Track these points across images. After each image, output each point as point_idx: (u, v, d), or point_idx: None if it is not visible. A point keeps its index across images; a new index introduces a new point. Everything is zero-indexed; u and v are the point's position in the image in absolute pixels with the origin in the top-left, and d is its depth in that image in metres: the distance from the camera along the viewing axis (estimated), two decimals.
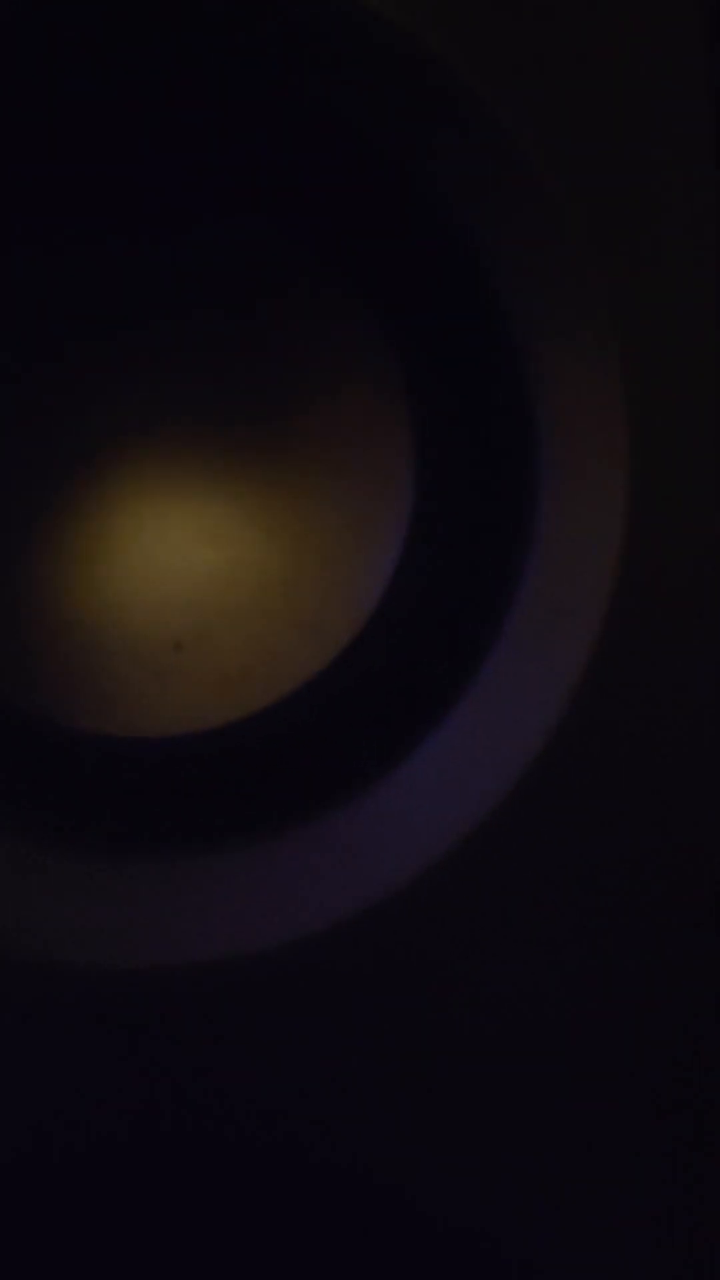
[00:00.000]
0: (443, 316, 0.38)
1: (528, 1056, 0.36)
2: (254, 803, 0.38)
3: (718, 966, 0.36)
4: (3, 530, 0.38)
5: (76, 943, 0.36)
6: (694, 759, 0.36)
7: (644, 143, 0.36)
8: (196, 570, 0.38)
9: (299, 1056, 0.36)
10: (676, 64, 0.36)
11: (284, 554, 0.38)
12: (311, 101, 0.37)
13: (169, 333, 0.38)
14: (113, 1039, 0.36)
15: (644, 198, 0.36)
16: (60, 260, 0.38)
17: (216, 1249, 0.37)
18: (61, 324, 0.38)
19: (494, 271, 0.37)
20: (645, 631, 0.36)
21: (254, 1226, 0.36)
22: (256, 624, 0.38)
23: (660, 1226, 0.37)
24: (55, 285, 0.38)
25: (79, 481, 0.38)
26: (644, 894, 0.36)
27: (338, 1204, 0.37)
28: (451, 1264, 0.37)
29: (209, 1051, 0.36)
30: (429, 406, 0.38)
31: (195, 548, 0.38)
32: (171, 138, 0.37)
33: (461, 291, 0.37)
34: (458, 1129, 0.36)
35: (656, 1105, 0.36)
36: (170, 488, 0.38)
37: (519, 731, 0.36)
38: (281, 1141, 0.36)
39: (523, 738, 0.36)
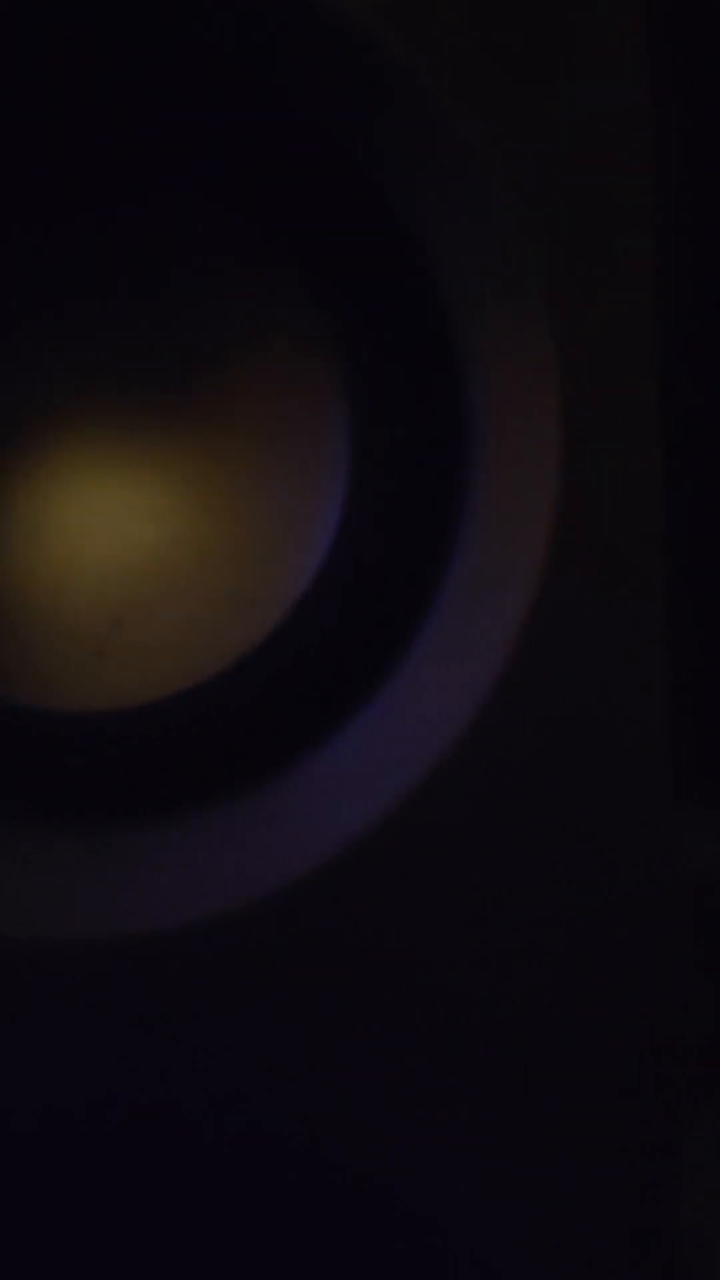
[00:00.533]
0: (376, 288, 0.38)
1: (458, 1030, 0.36)
2: (191, 776, 0.38)
3: (649, 941, 0.37)
4: None
5: (9, 915, 0.36)
6: (626, 731, 0.36)
7: (579, 114, 0.36)
8: (134, 545, 0.38)
9: (220, 1031, 0.36)
10: (614, 34, 0.36)
11: (220, 528, 0.38)
12: (240, 68, 0.37)
13: (100, 305, 0.38)
14: (47, 1010, 0.36)
15: (578, 167, 0.36)
16: (7, 240, 0.38)
17: (167, 1225, 0.37)
18: (5, 303, 0.38)
19: (426, 238, 0.37)
20: (577, 603, 0.36)
21: (202, 1204, 0.37)
22: (194, 598, 0.38)
23: (606, 1197, 0.37)
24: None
25: (12, 458, 0.38)
26: (576, 868, 0.36)
27: (278, 1179, 0.37)
28: (411, 1246, 0.37)
29: (137, 1026, 0.36)
30: (363, 380, 0.38)
31: (132, 523, 0.38)
32: (93, 109, 0.37)
33: (395, 261, 0.37)
34: (385, 1105, 0.36)
35: (577, 1077, 0.37)
36: (106, 463, 0.38)
37: (451, 704, 0.37)
38: (238, 1111, 0.36)
39: (455, 710, 0.36)
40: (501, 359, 0.37)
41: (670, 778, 0.37)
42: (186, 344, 0.38)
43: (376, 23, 0.35)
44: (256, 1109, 0.36)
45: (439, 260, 0.37)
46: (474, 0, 0.35)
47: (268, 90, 0.36)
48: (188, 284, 0.38)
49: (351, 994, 0.36)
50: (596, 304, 0.36)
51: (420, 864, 0.36)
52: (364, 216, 0.37)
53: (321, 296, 0.38)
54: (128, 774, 0.38)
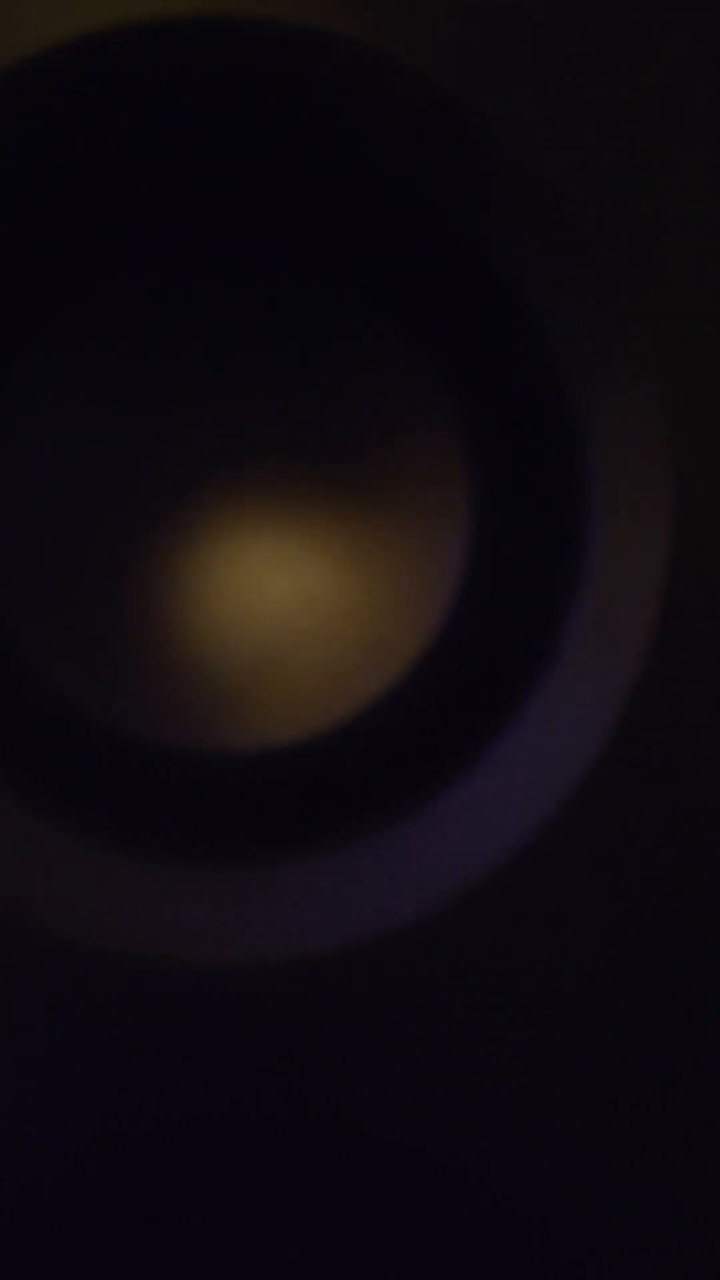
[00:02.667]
0: (494, 360, 0.40)
1: (577, 1070, 0.38)
2: (324, 816, 0.40)
3: None
4: (99, 557, 0.40)
5: (166, 946, 0.38)
6: None
7: (686, 196, 0.38)
8: (272, 599, 0.40)
9: (352, 1062, 0.38)
10: (710, 108, 0.38)
11: (352, 583, 0.40)
12: (375, 167, 0.39)
13: (252, 380, 0.40)
14: (173, 1037, 0.38)
15: (685, 252, 0.38)
16: (156, 307, 0.40)
17: (298, 1255, 0.38)
18: (155, 367, 0.40)
19: (545, 321, 0.39)
20: (692, 657, 0.38)
21: (299, 1236, 0.38)
22: (326, 649, 0.40)
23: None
24: (152, 332, 0.40)
25: (166, 517, 0.40)
26: (692, 919, 0.38)
27: (394, 1210, 0.38)
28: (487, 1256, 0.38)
29: (264, 1055, 0.38)
30: (485, 448, 0.40)
31: (270, 576, 0.40)
32: (260, 198, 0.40)
33: (511, 337, 0.40)
34: (523, 1136, 0.38)
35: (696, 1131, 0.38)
36: (248, 522, 0.40)
37: (572, 753, 0.39)
38: (346, 1145, 0.38)
39: (575, 759, 0.38)
40: (617, 428, 0.39)
41: None
42: (330, 419, 0.41)
43: (482, 102, 0.37)
44: (390, 1137, 0.38)
45: (557, 340, 0.39)
46: (579, 79, 0.38)
47: (408, 191, 0.39)
48: (331, 362, 0.40)
49: (486, 1028, 0.38)
50: (706, 381, 0.38)
51: (546, 902, 0.38)
52: (489, 304, 0.40)
53: (449, 377, 0.40)
54: (264, 813, 0.40)
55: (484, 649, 0.40)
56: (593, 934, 0.38)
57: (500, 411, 0.40)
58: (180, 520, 0.40)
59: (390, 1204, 0.38)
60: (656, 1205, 0.38)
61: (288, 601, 0.40)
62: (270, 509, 0.40)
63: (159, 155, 0.39)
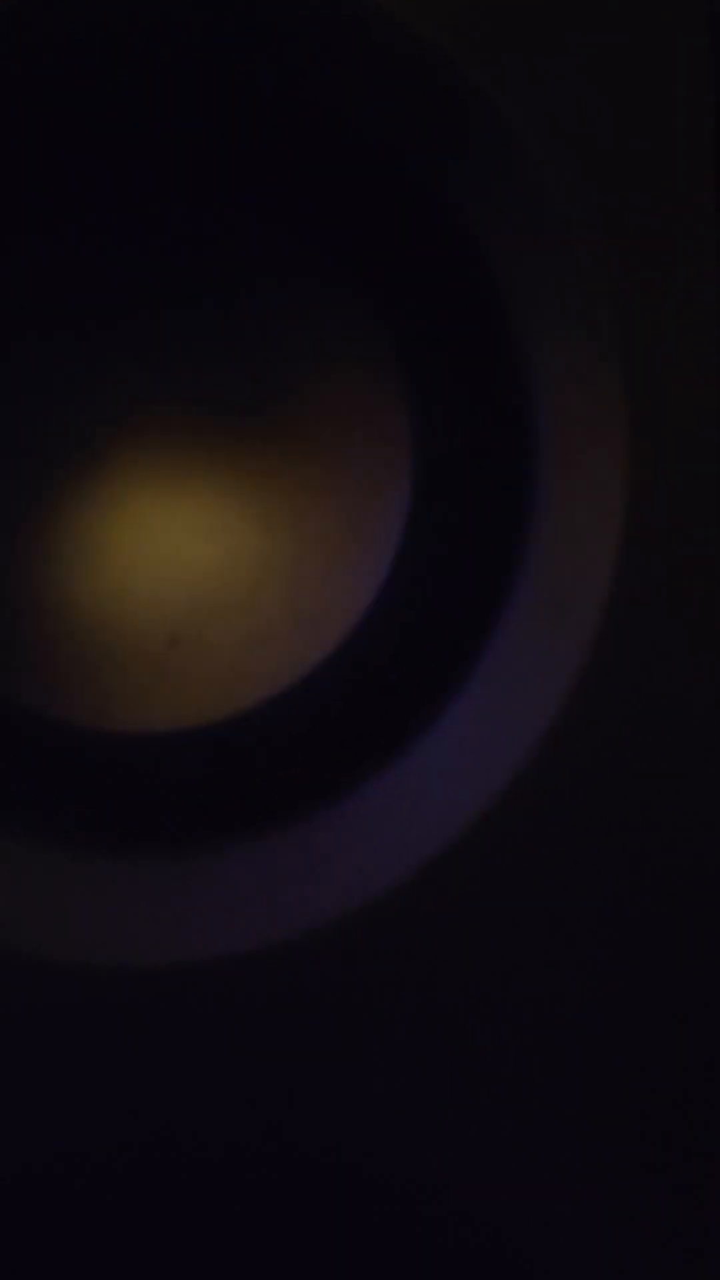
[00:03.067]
0: (441, 309, 0.37)
1: (529, 1056, 0.36)
2: (249, 799, 0.37)
3: None
4: (4, 523, 0.37)
5: (67, 940, 0.36)
6: (694, 752, 0.36)
7: (646, 140, 0.35)
8: (192, 564, 0.38)
9: (292, 1057, 0.36)
10: (679, 67, 0.36)
11: (280, 548, 0.38)
12: (314, 97, 0.36)
13: (164, 325, 0.38)
14: (105, 1039, 0.35)
15: (646, 194, 0.35)
16: (54, 251, 0.38)
17: (214, 1256, 0.36)
18: (54, 315, 0.38)
19: (493, 263, 0.37)
20: (644, 624, 0.36)
21: (254, 1231, 0.36)
22: (253, 618, 0.38)
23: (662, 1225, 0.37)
24: (49, 276, 0.38)
25: (72, 475, 0.38)
26: (643, 892, 0.36)
27: (335, 1207, 0.36)
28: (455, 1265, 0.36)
29: (201, 1053, 0.35)
30: (426, 399, 0.37)
31: (190, 542, 0.38)
32: (173, 129, 0.37)
33: (460, 283, 0.37)
34: (460, 1129, 0.36)
35: (659, 1103, 0.36)
36: (165, 481, 0.38)
37: (517, 725, 0.36)
38: (277, 1145, 0.36)
39: (521, 731, 0.36)
40: (569, 383, 0.36)
41: None
42: (251, 364, 0.38)
43: (453, 49, 0.35)
44: (300, 1139, 0.36)
45: (508, 285, 0.37)
46: (549, 30, 0.35)
47: (347, 117, 0.36)
48: (256, 305, 0.38)
49: (405, 1023, 0.36)
50: (664, 328, 0.35)
51: (484, 888, 0.36)
52: (434, 241, 0.37)
53: (387, 320, 0.37)
54: (182, 796, 0.37)
55: (422, 620, 0.37)
56: (531, 922, 0.36)
57: (446, 368, 0.38)
58: (90, 482, 0.38)
59: (323, 1209, 0.36)
60: (629, 1213, 0.36)
61: (209, 567, 0.38)
62: (191, 466, 0.38)
63: (93, 90, 0.36)
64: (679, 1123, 0.36)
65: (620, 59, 0.36)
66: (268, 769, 0.37)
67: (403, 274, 0.37)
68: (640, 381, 0.36)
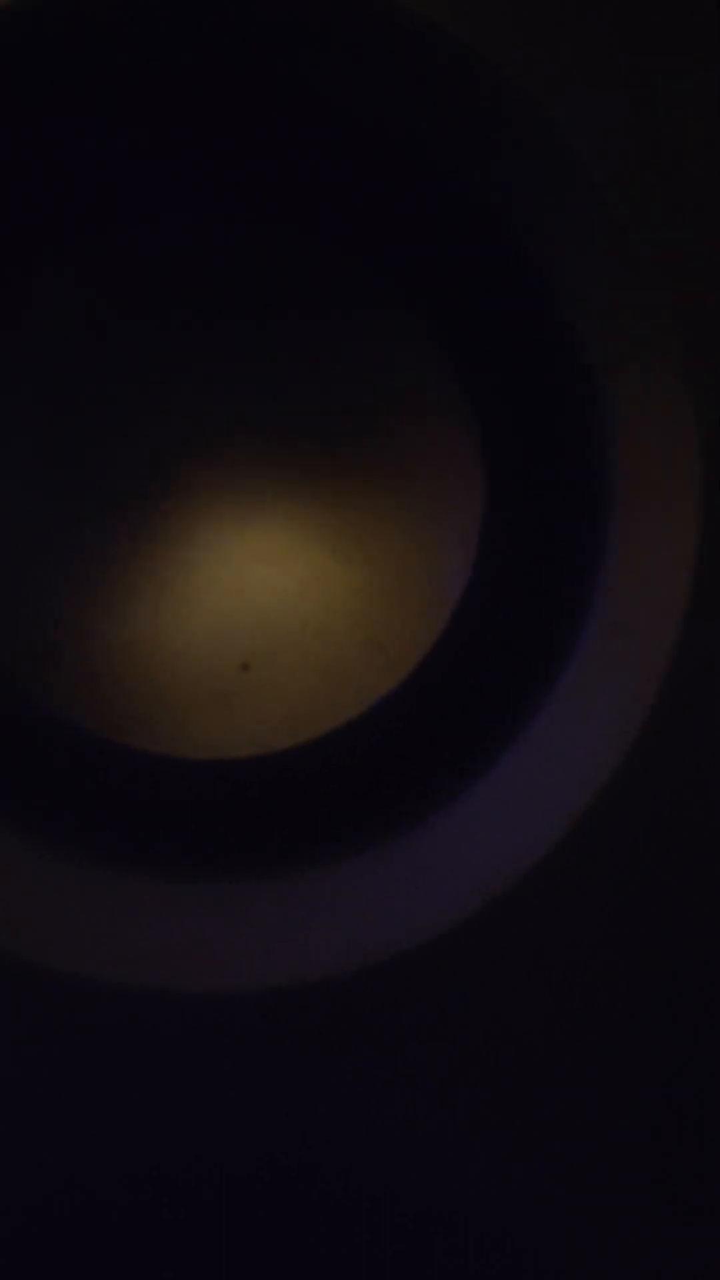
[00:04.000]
0: (510, 339, 0.37)
1: (593, 1089, 0.36)
2: (320, 826, 0.37)
3: None
4: (75, 551, 0.37)
5: (135, 964, 0.36)
6: None
7: (711, 166, 0.35)
8: (264, 591, 0.38)
9: (357, 1086, 0.36)
10: None
11: (352, 575, 0.38)
12: (388, 133, 0.36)
13: (240, 358, 0.38)
14: (172, 1062, 0.36)
15: (711, 222, 0.35)
16: (128, 279, 0.37)
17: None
18: (128, 346, 0.38)
19: (563, 298, 0.36)
20: (714, 650, 0.35)
21: (278, 1256, 0.36)
22: (323, 645, 0.38)
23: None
24: (122, 307, 0.38)
25: (144, 506, 0.38)
26: (708, 937, 0.35)
27: (368, 1237, 0.36)
28: None
29: (267, 1079, 0.36)
30: (497, 429, 0.37)
31: (262, 569, 0.38)
32: (256, 169, 0.37)
33: (531, 318, 0.37)
34: (522, 1164, 0.36)
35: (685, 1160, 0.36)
36: (238, 509, 0.38)
37: (590, 754, 0.36)
38: (300, 1174, 0.36)
39: (594, 760, 0.36)
40: (640, 413, 0.36)
41: None
42: (322, 393, 0.38)
43: (538, 101, 0.35)
44: (398, 1163, 0.36)
45: (579, 322, 0.36)
46: (615, 60, 0.35)
47: (420, 157, 0.36)
48: (328, 334, 0.38)
49: (495, 1045, 0.36)
50: None
51: (554, 920, 0.36)
52: (502, 272, 0.37)
53: (458, 350, 0.37)
54: (257, 822, 0.37)
55: (494, 649, 0.37)
56: (604, 951, 0.36)
57: (517, 399, 0.37)
58: (166, 511, 0.38)
59: (398, 1241, 0.36)
60: (661, 1241, 0.36)
61: (281, 594, 0.38)
62: (261, 493, 0.38)
63: (162, 114, 0.36)
64: None
65: (684, 88, 0.35)
66: (335, 797, 0.37)
67: (472, 304, 0.37)
68: (711, 410, 0.35)
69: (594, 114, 0.35)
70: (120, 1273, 0.36)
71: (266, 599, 0.38)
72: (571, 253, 0.36)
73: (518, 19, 0.35)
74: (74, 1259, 0.36)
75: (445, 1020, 0.36)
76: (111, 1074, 0.36)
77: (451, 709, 0.37)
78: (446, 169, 0.36)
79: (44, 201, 0.37)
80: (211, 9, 0.35)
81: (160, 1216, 0.36)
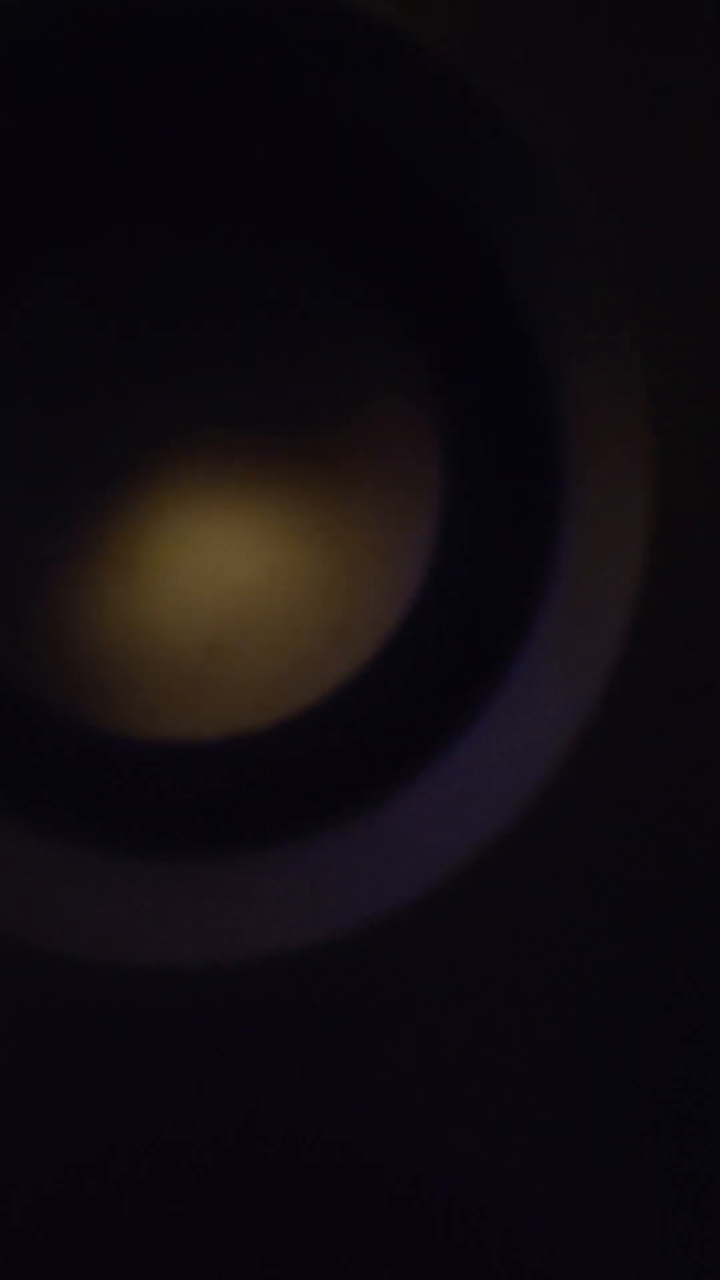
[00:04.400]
0: (470, 330, 0.38)
1: (535, 1080, 0.37)
2: (286, 805, 0.38)
3: None
4: (39, 536, 0.38)
5: (92, 941, 0.37)
6: None
7: (670, 157, 0.36)
8: (229, 576, 0.39)
9: (342, 1057, 0.37)
10: (704, 74, 0.37)
11: (315, 561, 0.39)
12: (347, 119, 0.37)
13: (206, 346, 0.39)
14: (128, 1037, 0.36)
15: (670, 212, 0.36)
16: (95, 269, 0.39)
17: (229, 1259, 0.37)
18: (97, 334, 0.39)
19: (521, 286, 0.37)
20: (672, 638, 0.36)
21: (272, 1235, 0.37)
22: (288, 631, 0.39)
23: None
24: (91, 295, 0.39)
25: (112, 491, 0.39)
26: (672, 909, 0.36)
27: (347, 1213, 0.37)
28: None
29: (230, 1057, 0.36)
30: (456, 418, 0.38)
31: (228, 554, 0.39)
32: (207, 147, 0.38)
33: (489, 307, 0.38)
34: (466, 1146, 0.37)
35: (666, 1131, 0.37)
36: (202, 497, 0.39)
37: (548, 737, 0.37)
38: (289, 1146, 0.37)
39: (551, 743, 0.37)
40: (594, 404, 0.37)
41: None
42: (288, 387, 0.39)
43: (492, 90, 0.36)
44: (351, 1141, 0.37)
45: (534, 308, 0.37)
46: (573, 51, 0.36)
47: (377, 143, 0.37)
48: (292, 327, 0.39)
49: (450, 1025, 0.37)
50: (688, 348, 0.36)
51: (518, 892, 0.37)
52: (463, 267, 0.38)
53: (419, 343, 0.38)
54: (222, 803, 0.38)
55: (455, 629, 0.38)
56: (570, 929, 0.37)
57: (473, 382, 0.39)
58: (129, 495, 0.38)
59: (382, 1221, 0.37)
60: (651, 1227, 0.37)
61: (247, 581, 0.39)
62: (226, 482, 0.39)
63: (128, 109, 0.37)
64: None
65: (644, 80, 0.37)
66: (307, 777, 0.38)
67: (435, 301, 0.38)
68: (664, 399, 0.36)
69: (560, 116, 0.36)
70: (114, 1254, 0.37)
71: (233, 586, 0.39)
72: (529, 243, 0.37)
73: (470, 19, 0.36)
74: (71, 1242, 0.37)
75: (423, 992, 0.36)
76: (89, 1051, 0.36)
77: (414, 690, 0.39)
78: (407, 163, 0.37)
79: (37, 202, 0.38)
80: (213, 17, 0.36)
81: (153, 1192, 0.37)
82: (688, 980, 0.37)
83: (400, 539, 0.38)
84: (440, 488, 0.38)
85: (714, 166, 0.36)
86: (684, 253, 0.36)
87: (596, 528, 0.37)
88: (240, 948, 0.37)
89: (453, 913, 0.36)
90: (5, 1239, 0.37)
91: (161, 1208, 0.37)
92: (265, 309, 0.39)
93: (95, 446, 0.39)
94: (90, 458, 0.39)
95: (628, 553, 0.37)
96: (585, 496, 0.37)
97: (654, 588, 0.37)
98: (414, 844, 0.37)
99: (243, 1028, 0.36)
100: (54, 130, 0.38)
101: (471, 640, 0.38)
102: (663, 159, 0.36)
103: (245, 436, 0.39)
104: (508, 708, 0.38)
